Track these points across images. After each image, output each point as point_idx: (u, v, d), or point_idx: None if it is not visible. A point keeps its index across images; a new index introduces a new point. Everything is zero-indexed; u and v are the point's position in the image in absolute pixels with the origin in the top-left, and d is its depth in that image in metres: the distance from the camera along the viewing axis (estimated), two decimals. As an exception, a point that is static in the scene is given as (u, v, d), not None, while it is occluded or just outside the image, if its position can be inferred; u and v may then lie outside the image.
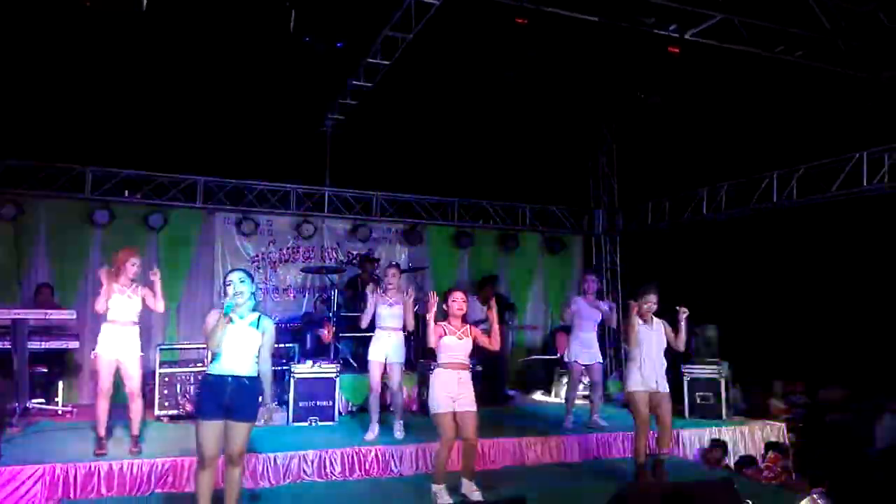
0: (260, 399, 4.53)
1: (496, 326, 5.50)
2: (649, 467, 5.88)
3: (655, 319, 5.98)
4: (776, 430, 7.65)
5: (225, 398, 4.32)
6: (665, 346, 5.96)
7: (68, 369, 8.25)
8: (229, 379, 4.35)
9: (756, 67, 7.00)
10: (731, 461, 7.21)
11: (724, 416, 7.87)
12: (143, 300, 5.99)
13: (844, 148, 7.95)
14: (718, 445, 7.17)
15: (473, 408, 5.35)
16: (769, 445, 7.10)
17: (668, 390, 5.91)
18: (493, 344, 5.51)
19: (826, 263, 8.53)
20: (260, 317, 4.54)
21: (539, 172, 11.00)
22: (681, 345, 5.98)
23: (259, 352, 4.50)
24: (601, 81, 8.76)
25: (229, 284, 4.50)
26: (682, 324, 5.89)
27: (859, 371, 8.28)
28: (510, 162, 10.61)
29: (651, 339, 5.89)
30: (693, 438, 7.34)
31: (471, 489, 5.31)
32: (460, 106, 9.54)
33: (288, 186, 9.86)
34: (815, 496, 4.41)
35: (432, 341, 5.37)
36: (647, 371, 5.82)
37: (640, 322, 5.89)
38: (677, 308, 5.92)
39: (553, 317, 11.04)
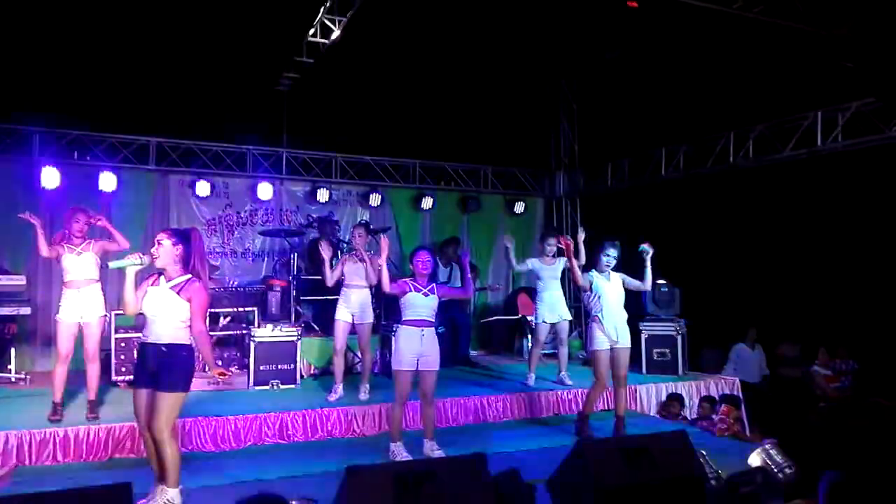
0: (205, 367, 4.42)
1: (468, 275, 5.61)
2: (613, 426, 6.02)
3: (613, 273, 6.04)
4: (730, 384, 7.84)
5: (149, 366, 4.19)
6: (624, 299, 6.02)
7: (21, 336, 8.04)
8: (151, 347, 4.20)
9: (714, 24, 7.00)
10: (688, 414, 7.41)
11: (680, 372, 8.05)
12: (101, 253, 5.86)
13: (799, 107, 8.07)
14: (675, 399, 7.35)
15: (436, 367, 5.38)
16: (723, 398, 7.28)
17: (628, 345, 5.99)
18: (467, 291, 5.83)
19: (781, 222, 8.71)
20: (187, 281, 4.24)
21: (500, 134, 10.94)
22: (647, 284, 6.04)
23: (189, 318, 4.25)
24: (561, 36, 8.70)
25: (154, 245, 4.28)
26: (648, 261, 5.96)
27: (813, 327, 8.56)
28: (471, 123, 10.52)
29: (611, 293, 5.94)
30: (651, 393, 7.50)
31: (432, 448, 5.36)
32: (420, 65, 9.41)
33: (244, 147, 9.65)
34: (766, 446, 4.53)
35: (386, 284, 5.39)
36: (608, 325, 5.90)
37: (598, 274, 5.99)
38: (640, 246, 5.98)
39: (514, 277, 11.11)
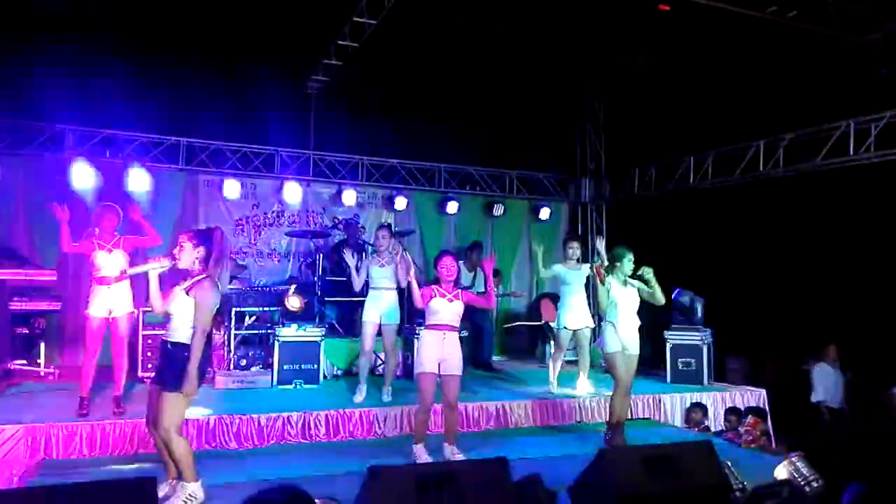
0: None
1: (491, 284, 5.57)
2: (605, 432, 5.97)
3: (629, 280, 5.96)
4: (756, 396, 7.73)
5: (158, 363, 4.26)
6: (638, 306, 5.95)
7: (50, 330, 8.17)
8: (162, 344, 4.28)
9: (745, 29, 6.92)
10: (713, 426, 7.31)
11: (705, 383, 7.96)
12: (131, 250, 5.96)
13: (831, 116, 7.95)
14: (699, 407, 7.26)
15: (459, 372, 5.38)
16: (749, 410, 7.18)
17: (637, 352, 5.94)
18: (489, 301, 5.71)
19: (811, 234, 8.57)
20: (197, 281, 4.24)
21: (526, 139, 10.94)
22: (659, 297, 5.91)
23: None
24: (588, 41, 8.66)
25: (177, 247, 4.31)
26: (652, 279, 5.87)
27: (844, 339, 8.39)
28: (497, 128, 10.52)
29: (625, 301, 5.87)
30: (675, 403, 7.42)
31: (453, 452, 5.35)
32: (447, 69, 9.42)
33: (272, 149, 9.73)
34: (793, 459, 4.46)
35: (418, 300, 5.40)
36: (623, 332, 5.84)
37: (615, 282, 5.88)
38: (641, 269, 5.92)
39: (538, 283, 11.06)
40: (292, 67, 9.38)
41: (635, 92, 10.13)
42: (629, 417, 6.83)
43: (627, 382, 5.92)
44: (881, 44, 6.29)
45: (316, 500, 3.31)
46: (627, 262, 5.88)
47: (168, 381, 4.14)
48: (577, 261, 7.63)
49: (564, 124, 11.61)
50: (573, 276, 7.51)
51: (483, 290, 9.27)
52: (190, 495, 4.16)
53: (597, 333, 7.83)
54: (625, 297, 5.89)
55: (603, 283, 5.82)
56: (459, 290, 5.53)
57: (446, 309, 5.37)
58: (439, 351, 5.31)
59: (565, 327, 7.44)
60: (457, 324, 5.45)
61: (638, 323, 5.96)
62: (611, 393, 6.10)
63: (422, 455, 5.30)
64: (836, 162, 7.92)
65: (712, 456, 4.05)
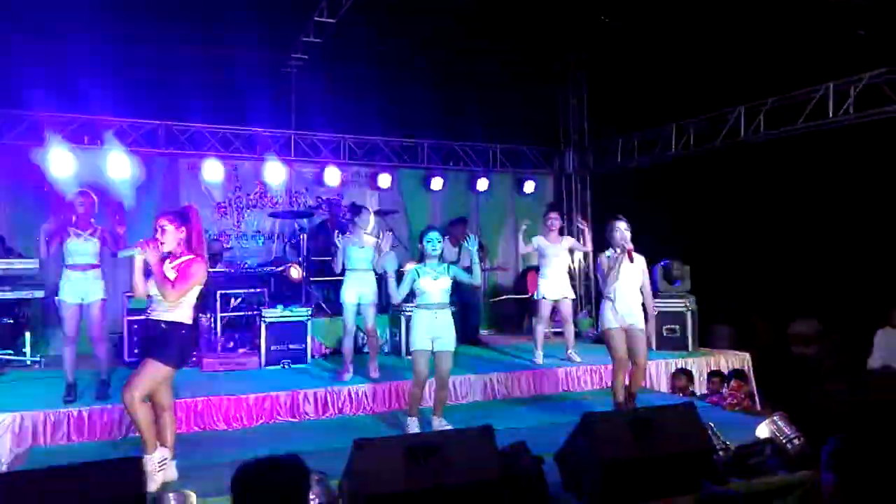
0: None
1: (476, 264, 5.55)
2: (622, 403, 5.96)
3: (635, 255, 5.86)
4: (740, 360, 7.83)
5: (148, 338, 4.30)
6: (640, 281, 5.88)
7: (35, 319, 8.13)
8: (153, 322, 4.28)
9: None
10: (698, 391, 7.40)
11: (690, 349, 8.04)
12: (104, 241, 5.90)
13: (811, 80, 7.95)
14: (683, 373, 7.35)
15: (451, 348, 5.44)
16: (733, 374, 7.27)
17: (643, 326, 5.82)
18: (474, 279, 5.63)
19: (795, 197, 8.61)
20: (189, 261, 4.27)
21: (509, 113, 10.85)
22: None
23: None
24: (568, 8, 8.59)
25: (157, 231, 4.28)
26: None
27: (830, 305, 8.46)
28: (480, 102, 10.43)
29: (625, 274, 5.78)
30: (661, 369, 7.50)
31: (441, 424, 5.40)
32: (427, 43, 9.33)
33: (252, 130, 9.64)
34: (774, 418, 4.53)
35: (396, 299, 5.58)
36: (622, 307, 5.77)
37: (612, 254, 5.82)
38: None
39: (525, 257, 11.08)
40: (271, 46, 9.25)
41: (618, 61, 10.06)
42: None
43: (636, 357, 5.79)
44: (860, 4, 6.26)
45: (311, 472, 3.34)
46: (619, 231, 5.79)
47: (159, 353, 4.17)
48: (561, 232, 7.65)
49: (547, 96, 11.55)
50: (553, 248, 7.55)
51: (468, 265, 9.34)
52: (158, 464, 4.22)
53: (583, 304, 7.86)
54: (623, 270, 5.77)
55: (632, 260, 5.76)
56: (446, 265, 5.53)
57: (433, 286, 5.38)
58: (432, 329, 5.36)
59: (544, 297, 7.52)
60: (446, 300, 5.47)
61: (639, 297, 5.86)
62: (610, 367, 6.07)
63: (413, 427, 5.37)
64: (817, 124, 7.94)
65: (695, 418, 4.12)
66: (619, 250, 5.75)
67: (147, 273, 4.30)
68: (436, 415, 5.48)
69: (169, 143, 9.21)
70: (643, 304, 5.89)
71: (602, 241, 6.05)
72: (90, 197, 5.93)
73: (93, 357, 6.03)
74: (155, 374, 4.18)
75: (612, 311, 5.78)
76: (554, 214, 7.71)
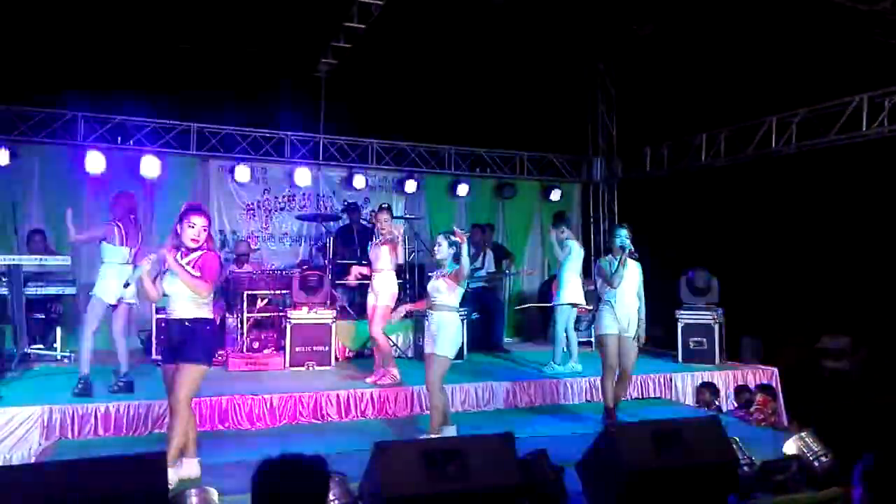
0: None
1: (460, 257, 5.19)
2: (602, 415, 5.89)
3: (630, 261, 5.83)
4: (768, 375, 7.70)
5: (173, 341, 4.32)
6: (637, 288, 5.87)
7: (66, 315, 8.27)
8: (175, 323, 4.30)
9: (755, 2, 6.80)
10: (724, 405, 7.29)
11: (717, 362, 7.93)
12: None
13: (843, 91, 7.83)
14: (708, 387, 7.24)
15: (431, 350, 5.16)
16: (760, 388, 7.15)
17: (633, 334, 5.79)
18: (456, 274, 5.17)
19: (826, 210, 8.47)
20: (201, 256, 4.31)
21: (537, 119, 10.84)
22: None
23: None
24: (598, 17, 8.56)
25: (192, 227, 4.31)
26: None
27: (859, 319, 8.29)
28: (507, 108, 10.44)
29: (628, 280, 5.76)
30: (686, 382, 7.41)
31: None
32: (456, 50, 9.35)
33: (282, 133, 9.75)
34: (802, 435, 4.44)
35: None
36: (619, 313, 5.75)
37: (613, 260, 5.81)
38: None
39: (550, 264, 11.04)
40: (301, 52, 9.35)
41: (647, 70, 10.01)
42: (640, 397, 6.84)
43: (625, 366, 5.79)
44: (892, 12, 6.15)
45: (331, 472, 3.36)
46: (619, 238, 5.80)
47: (189, 355, 4.21)
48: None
49: (576, 104, 11.49)
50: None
51: (493, 270, 9.32)
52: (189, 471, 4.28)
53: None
54: (626, 277, 5.77)
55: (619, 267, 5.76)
56: (447, 272, 5.24)
57: (431, 288, 5.28)
58: (427, 331, 5.27)
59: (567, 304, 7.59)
60: (442, 302, 5.19)
61: (636, 303, 5.85)
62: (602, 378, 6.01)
63: (450, 432, 5.14)
64: (850, 137, 7.80)
65: (719, 431, 4.04)
66: (619, 256, 5.75)
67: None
68: (430, 432, 5.14)
69: (200, 145, 9.34)
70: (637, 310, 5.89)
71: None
72: (133, 197, 6.18)
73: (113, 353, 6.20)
74: (195, 377, 4.25)
75: (612, 317, 5.76)
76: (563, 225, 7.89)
